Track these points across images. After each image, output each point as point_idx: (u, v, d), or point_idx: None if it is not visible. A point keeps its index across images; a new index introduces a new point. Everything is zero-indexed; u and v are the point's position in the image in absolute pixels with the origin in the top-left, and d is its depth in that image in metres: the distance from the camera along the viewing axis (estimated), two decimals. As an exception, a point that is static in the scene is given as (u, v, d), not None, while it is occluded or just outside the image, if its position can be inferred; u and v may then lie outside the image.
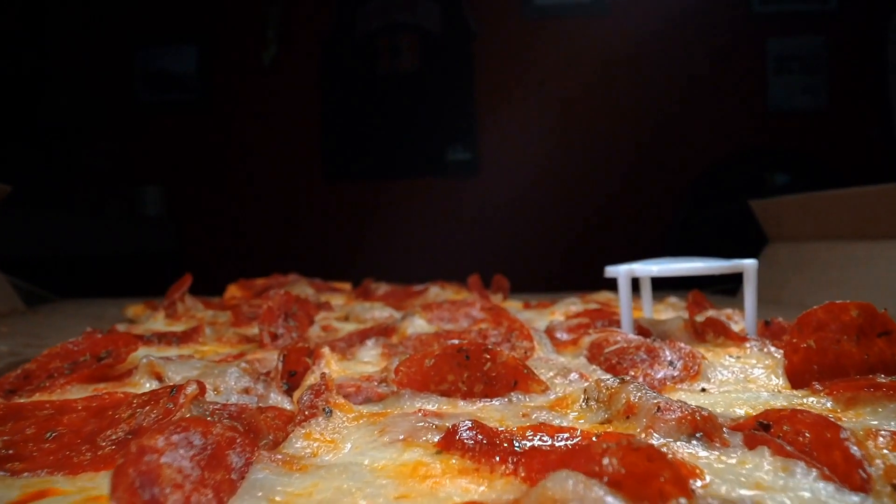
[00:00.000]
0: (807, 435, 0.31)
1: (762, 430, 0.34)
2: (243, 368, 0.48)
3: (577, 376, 0.49)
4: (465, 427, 0.33)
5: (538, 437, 0.34)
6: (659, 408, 0.35)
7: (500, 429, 0.34)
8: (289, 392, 0.48)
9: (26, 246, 2.44)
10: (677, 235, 3.23)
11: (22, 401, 0.44)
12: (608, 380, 0.40)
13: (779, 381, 0.49)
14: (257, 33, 3.50)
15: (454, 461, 0.31)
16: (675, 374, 0.49)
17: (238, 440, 0.30)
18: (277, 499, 0.27)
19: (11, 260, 2.01)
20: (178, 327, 0.82)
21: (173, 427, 0.26)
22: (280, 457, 0.31)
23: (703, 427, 0.34)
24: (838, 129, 3.34)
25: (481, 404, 0.42)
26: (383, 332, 0.65)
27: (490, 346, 0.45)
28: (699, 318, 0.76)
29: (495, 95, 3.47)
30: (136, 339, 0.58)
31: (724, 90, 3.39)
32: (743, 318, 0.81)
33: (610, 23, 3.39)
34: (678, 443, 0.33)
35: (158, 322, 0.83)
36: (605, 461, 0.25)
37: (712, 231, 3.13)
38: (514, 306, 1.02)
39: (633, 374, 0.51)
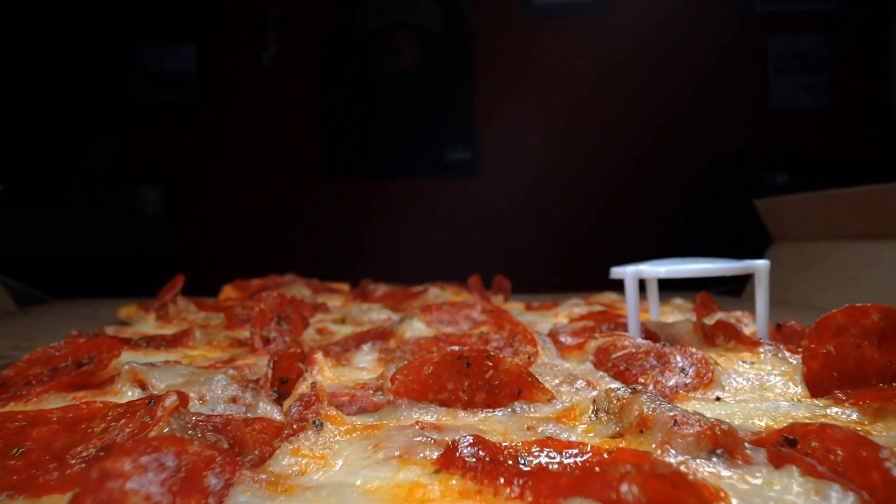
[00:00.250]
0: (839, 453, 0.29)
1: (788, 447, 0.31)
2: (231, 376, 0.45)
3: (583, 384, 0.46)
4: (466, 443, 0.31)
5: (545, 453, 0.31)
6: (675, 421, 0.32)
7: (503, 444, 0.32)
8: (279, 400, 0.45)
9: (23, 246, 2.42)
10: (678, 235, 3.21)
11: (-5, 410, 0.42)
12: (619, 389, 0.37)
13: (797, 390, 0.46)
14: (257, 33, 3.48)
15: (454, 482, 0.29)
16: (688, 381, 0.47)
17: (217, 459, 0.27)
18: (259, 525, 0.25)
19: (7, 260, 1.98)
20: (170, 330, 0.79)
21: (143, 447, 0.24)
22: (264, 476, 0.29)
23: (724, 442, 0.31)
24: (840, 129, 3.32)
25: (483, 415, 0.39)
26: (380, 335, 0.62)
27: (492, 352, 0.42)
28: (708, 321, 0.73)
29: (495, 95, 3.45)
30: (121, 344, 0.55)
31: (725, 89, 3.38)
32: (753, 321, 0.78)
33: (610, 22, 3.38)
34: (698, 460, 0.30)
35: (149, 324, 0.81)
36: (624, 488, 0.22)
37: (714, 231, 3.11)
38: (515, 308, 1.00)
39: (642, 381, 0.48)
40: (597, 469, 0.29)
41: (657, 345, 0.54)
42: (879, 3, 3.24)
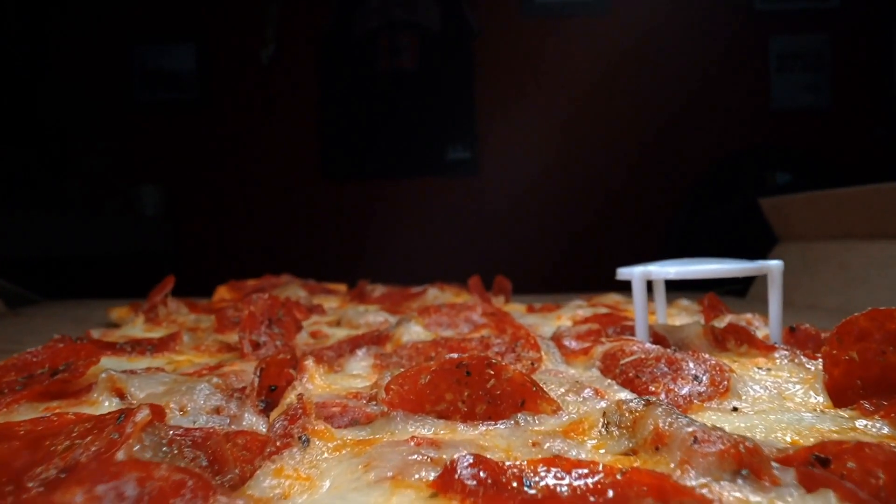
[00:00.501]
0: (881, 476, 0.26)
1: (820, 467, 0.28)
2: (215, 384, 0.42)
3: (591, 393, 0.43)
4: (466, 463, 0.28)
5: (552, 473, 0.28)
6: (696, 438, 0.29)
7: (506, 463, 0.29)
8: (266, 411, 0.42)
9: (19, 246, 2.40)
10: (679, 235, 3.18)
11: (-39, 423, 0.39)
12: (631, 401, 0.35)
13: (819, 399, 0.43)
14: (256, 31, 3.46)
15: (452, 508, 0.26)
16: (702, 390, 0.44)
17: (188, 483, 0.24)
18: (233, 559, 0.22)
19: (2, 260, 1.96)
20: (159, 333, 0.76)
21: (99, 474, 0.21)
22: (242, 501, 0.26)
23: (750, 462, 0.28)
24: (841, 128, 3.30)
25: (484, 428, 0.37)
26: (376, 340, 0.59)
27: (493, 360, 0.39)
28: (718, 324, 0.70)
29: (495, 94, 3.43)
30: (99, 349, 0.52)
31: (727, 89, 3.36)
32: (763, 323, 0.75)
33: (611, 21, 3.36)
34: (721, 483, 0.27)
35: (137, 327, 0.78)
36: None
37: (715, 230, 3.09)
38: (517, 310, 0.97)
39: (653, 389, 0.46)
40: (610, 493, 0.27)
41: (668, 350, 0.51)
42: (881, 2, 3.22)
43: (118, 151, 3.49)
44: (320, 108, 3.44)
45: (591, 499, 0.26)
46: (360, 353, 0.54)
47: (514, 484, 0.27)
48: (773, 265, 0.62)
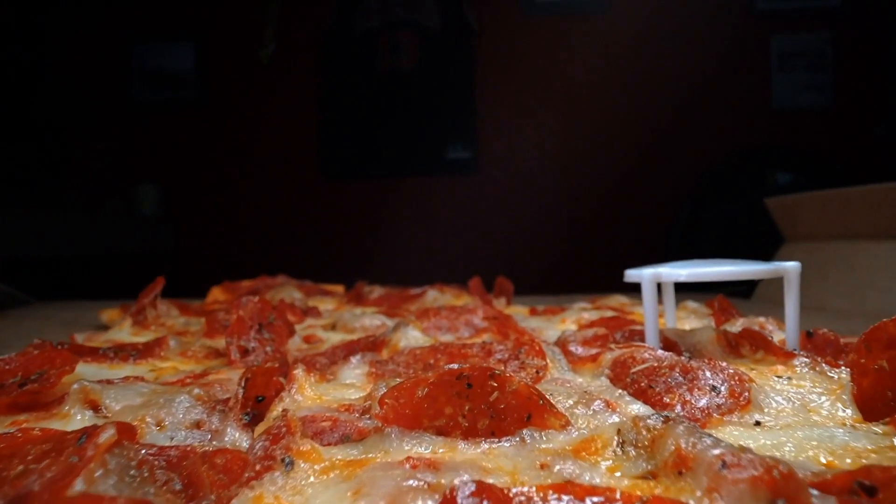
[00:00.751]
0: (939, 509, 0.23)
1: (865, 496, 0.25)
2: (196, 396, 0.39)
3: (601, 405, 0.40)
4: (468, 492, 0.25)
5: (565, 502, 0.25)
6: (724, 463, 0.26)
7: (513, 490, 0.26)
8: (252, 424, 0.39)
9: (16, 246, 2.37)
10: (680, 234, 3.16)
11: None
12: (648, 418, 0.31)
13: (848, 413, 0.40)
14: (255, 31, 3.44)
15: (452, 545, 0.23)
16: (721, 402, 0.41)
17: (149, 519, 0.21)
18: None
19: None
20: (147, 336, 0.73)
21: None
22: (213, 537, 0.23)
23: (785, 490, 0.25)
24: (843, 128, 3.27)
25: (487, 446, 0.33)
26: (371, 346, 0.56)
27: (497, 371, 0.36)
28: (730, 328, 0.67)
29: (496, 93, 3.41)
30: (79, 356, 0.49)
31: (728, 88, 3.33)
32: (777, 327, 0.72)
33: (611, 20, 3.33)
34: (756, 514, 0.24)
35: (124, 331, 0.75)
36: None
37: (717, 230, 3.06)
38: (519, 312, 0.94)
39: (668, 400, 0.42)
40: (631, 528, 0.23)
41: (682, 358, 0.48)
42: (883, 1, 3.19)
43: (117, 151, 3.47)
44: (320, 108, 3.42)
45: (611, 536, 0.23)
46: (354, 360, 0.51)
47: (522, 515, 0.24)
48: (790, 267, 0.59)
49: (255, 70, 3.43)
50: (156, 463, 0.30)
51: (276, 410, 0.39)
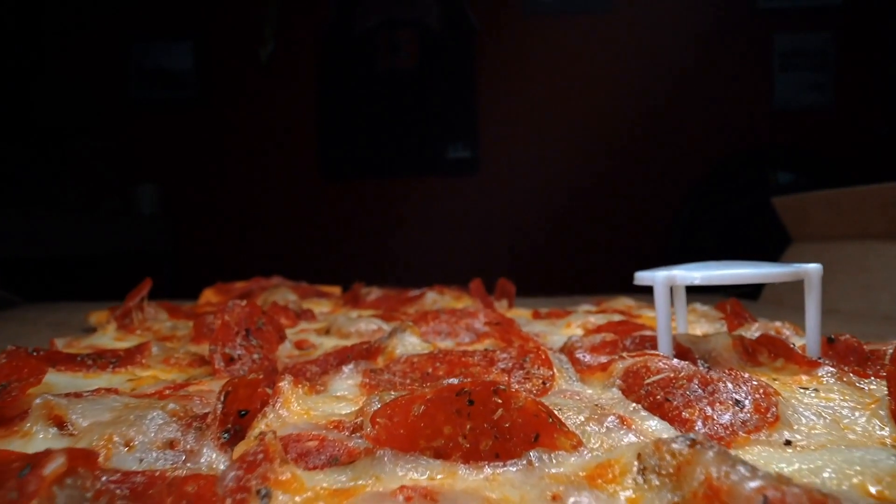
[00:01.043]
0: None
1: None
2: (171, 411, 0.36)
3: (615, 421, 0.36)
4: (469, 534, 0.21)
5: (581, 544, 0.22)
6: (765, 498, 0.23)
7: (521, 529, 0.22)
8: (232, 443, 0.35)
9: (12, 246, 2.34)
10: (682, 235, 3.12)
11: None
12: (673, 441, 0.28)
13: (886, 431, 0.36)
14: (254, 29, 3.42)
15: None
16: (746, 418, 0.37)
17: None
18: None
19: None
20: (133, 341, 0.70)
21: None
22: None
23: (838, 530, 0.22)
24: (845, 127, 3.24)
25: (490, 471, 0.30)
26: (366, 353, 0.52)
27: (501, 386, 0.33)
28: (745, 333, 0.64)
29: (496, 92, 3.38)
30: (51, 364, 0.46)
31: (729, 87, 3.31)
32: (794, 332, 0.69)
33: (612, 19, 3.31)
34: (807, 562, 0.21)
35: (108, 335, 0.71)
36: None
37: (718, 230, 3.03)
38: (521, 315, 0.90)
39: (687, 416, 0.39)
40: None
41: (700, 368, 0.44)
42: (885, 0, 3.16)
43: (115, 150, 3.45)
44: (319, 107, 3.39)
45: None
46: (346, 369, 0.47)
47: (533, 563, 0.21)
48: (812, 269, 0.55)
49: (255, 69, 3.41)
50: (117, 492, 0.26)
51: (258, 428, 0.35)
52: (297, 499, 0.26)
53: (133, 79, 3.45)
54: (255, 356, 0.52)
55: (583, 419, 0.37)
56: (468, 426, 0.32)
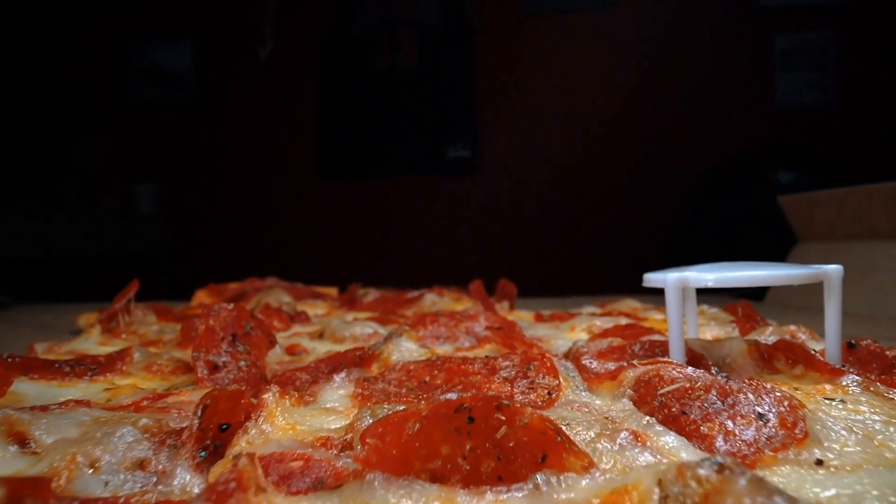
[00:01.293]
0: None
1: None
2: (143, 426, 0.33)
3: (629, 437, 0.33)
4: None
5: None
6: (813, 538, 0.19)
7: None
8: (210, 460, 0.32)
9: (10, 247, 2.32)
10: (683, 234, 3.09)
11: None
12: (699, 467, 0.25)
13: (925, 447, 0.33)
14: (254, 28, 3.40)
15: None
16: (771, 433, 0.34)
17: None
18: None
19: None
20: (117, 346, 0.67)
21: None
22: None
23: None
24: (847, 127, 3.22)
25: (493, 497, 0.27)
26: (360, 361, 0.49)
27: (504, 401, 0.29)
28: (760, 338, 0.61)
29: (496, 91, 3.35)
30: (22, 372, 0.43)
31: (731, 87, 3.28)
32: (810, 336, 0.66)
33: (612, 18, 3.28)
34: None
35: (92, 340, 0.68)
36: None
37: (720, 230, 3.00)
38: (523, 318, 0.87)
39: (706, 430, 0.36)
40: None
41: (717, 377, 0.41)
42: (887, -2, 3.14)
43: (114, 149, 3.43)
44: (319, 106, 3.37)
45: None
46: (337, 379, 0.44)
47: None
48: (832, 270, 0.52)
49: (254, 68, 3.39)
50: (71, 524, 0.23)
51: (238, 445, 0.32)
52: (274, 534, 0.23)
53: (132, 78, 3.44)
54: (242, 363, 0.49)
55: (593, 435, 0.33)
56: (468, 446, 0.29)
